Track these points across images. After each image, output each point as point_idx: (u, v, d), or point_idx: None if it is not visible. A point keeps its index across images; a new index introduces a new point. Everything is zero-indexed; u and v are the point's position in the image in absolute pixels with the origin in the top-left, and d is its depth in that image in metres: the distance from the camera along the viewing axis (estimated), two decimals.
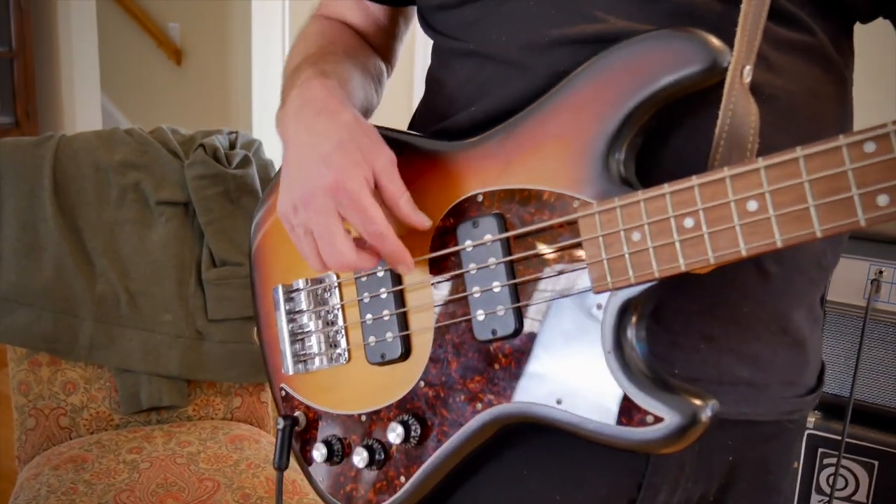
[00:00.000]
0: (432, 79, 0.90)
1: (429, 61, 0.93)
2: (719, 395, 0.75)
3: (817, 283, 0.83)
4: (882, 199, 0.57)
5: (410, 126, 0.94)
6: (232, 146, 1.93)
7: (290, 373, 0.90)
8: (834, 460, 1.47)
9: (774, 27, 0.73)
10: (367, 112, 0.91)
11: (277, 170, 0.91)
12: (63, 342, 1.73)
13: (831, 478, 1.48)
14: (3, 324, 1.70)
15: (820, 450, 1.50)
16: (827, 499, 1.48)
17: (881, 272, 1.44)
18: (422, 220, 0.76)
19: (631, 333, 0.69)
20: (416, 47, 3.17)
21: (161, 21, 4.48)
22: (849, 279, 1.47)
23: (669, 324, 0.74)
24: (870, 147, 0.57)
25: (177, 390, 1.80)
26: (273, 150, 1.55)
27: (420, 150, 0.81)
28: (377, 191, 0.76)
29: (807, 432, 1.51)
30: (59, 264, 1.74)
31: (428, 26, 0.90)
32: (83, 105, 4.00)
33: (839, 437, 1.45)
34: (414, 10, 0.99)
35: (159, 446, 1.67)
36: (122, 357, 1.76)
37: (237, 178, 1.84)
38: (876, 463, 1.46)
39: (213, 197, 1.82)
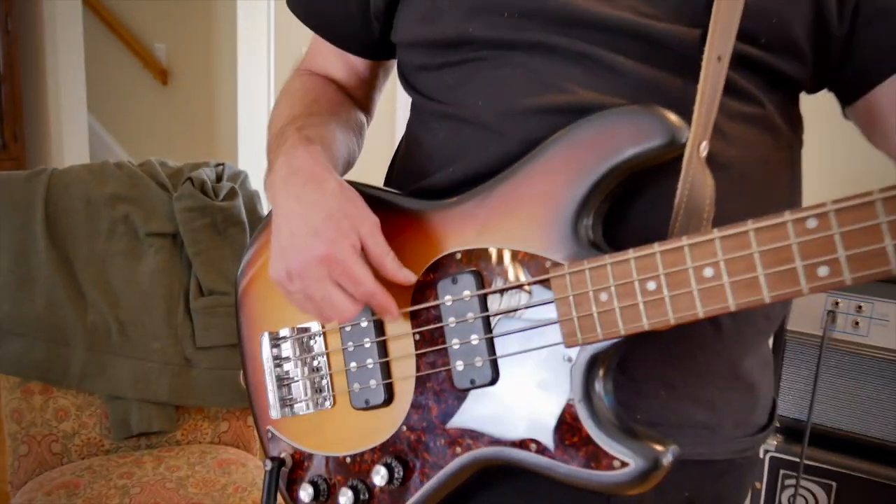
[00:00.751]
0: (411, 136, 0.96)
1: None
2: (678, 437, 0.83)
3: (765, 333, 0.90)
4: (822, 271, 0.64)
5: (388, 179, 1.00)
6: (219, 178, 2.00)
7: (277, 417, 0.96)
8: (794, 482, 1.55)
9: (728, 101, 0.80)
10: (350, 163, 0.97)
11: (267, 213, 0.97)
12: (55, 371, 1.79)
13: (792, 498, 1.56)
14: None
15: (781, 471, 1.58)
16: None
17: (837, 303, 1.53)
18: (406, 276, 0.83)
19: (599, 384, 0.75)
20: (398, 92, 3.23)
21: (147, 42, 4.53)
22: (806, 311, 1.55)
23: (632, 373, 0.81)
24: (812, 223, 0.64)
25: (166, 416, 1.86)
26: (258, 181, 1.61)
27: (401, 208, 0.87)
28: (364, 251, 0.82)
29: (769, 455, 1.58)
30: (51, 295, 1.80)
31: (408, 85, 0.95)
32: (70, 126, 4.05)
33: (798, 460, 1.53)
34: (393, 63, 1.05)
35: (149, 471, 1.73)
36: (113, 384, 1.81)
37: (224, 210, 1.91)
38: (834, 483, 1.54)
39: (200, 228, 1.89)
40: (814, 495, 1.56)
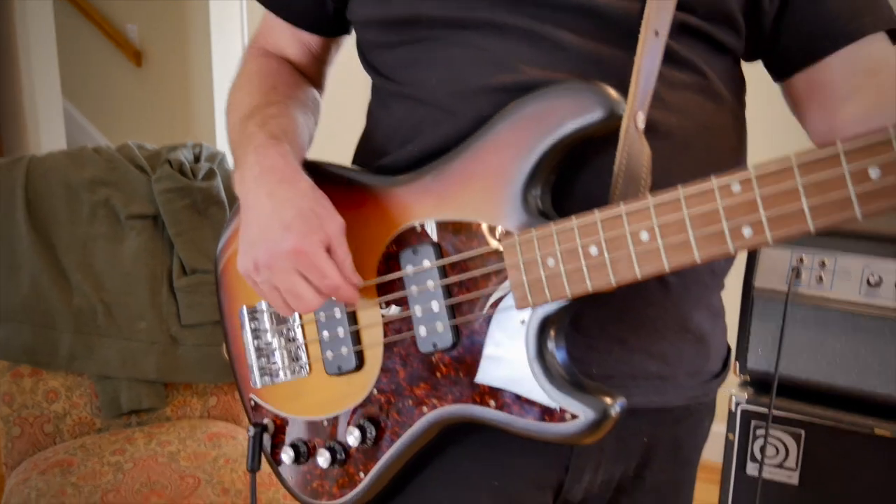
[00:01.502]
0: (371, 116, 1.00)
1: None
2: (632, 388, 0.88)
3: (712, 287, 0.95)
4: (747, 231, 0.68)
5: (356, 157, 1.04)
6: (196, 159, 2.03)
7: (259, 386, 1.01)
8: (764, 432, 1.61)
9: (668, 70, 0.84)
10: (309, 142, 1.01)
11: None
12: (43, 354, 1.83)
13: (763, 447, 1.62)
14: None
15: (752, 422, 1.64)
16: (759, 466, 1.62)
17: (801, 260, 1.58)
18: (357, 280, 0.87)
19: (551, 344, 0.80)
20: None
21: (119, 23, 4.51)
22: (772, 267, 1.60)
23: (587, 330, 0.86)
24: (736, 188, 0.68)
25: (155, 393, 1.91)
26: None
27: (365, 185, 0.92)
28: (328, 250, 0.86)
29: (740, 407, 1.64)
30: (35, 280, 1.83)
31: (367, 63, 0.99)
32: (45, 110, 4.03)
33: (767, 411, 1.58)
34: (345, 38, 1.08)
35: (141, 447, 1.78)
36: (102, 365, 1.85)
37: (203, 191, 1.94)
38: (802, 432, 1.60)
39: (180, 209, 1.92)
40: (784, 444, 1.62)
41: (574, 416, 0.78)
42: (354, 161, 1.03)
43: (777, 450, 1.63)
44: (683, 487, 1.04)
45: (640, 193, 0.80)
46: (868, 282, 1.55)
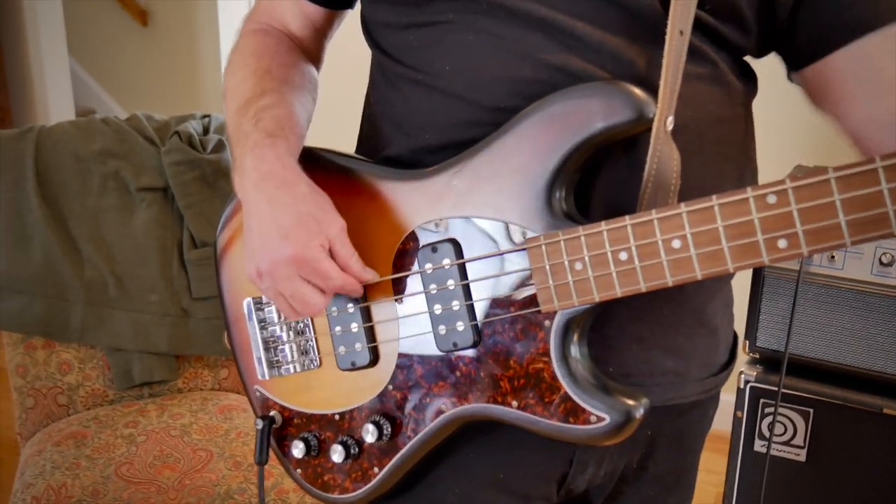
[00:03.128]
0: (381, 97, 0.96)
1: None
2: (650, 386, 0.88)
3: (726, 279, 0.95)
4: (782, 243, 0.68)
5: (360, 144, 1.02)
6: (205, 131, 2.01)
7: (266, 378, 1.00)
8: (773, 409, 1.62)
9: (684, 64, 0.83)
10: (307, 125, 0.98)
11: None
12: (56, 326, 1.84)
13: (771, 425, 1.63)
14: None
15: (761, 400, 1.64)
16: (767, 443, 1.63)
17: None
18: (371, 275, 0.87)
19: (575, 345, 0.81)
20: None
21: None
22: None
23: (604, 330, 0.86)
24: (772, 199, 0.68)
25: (167, 365, 1.92)
26: None
27: (377, 177, 0.90)
28: (331, 253, 0.86)
29: (749, 385, 1.65)
30: (47, 252, 1.84)
31: (372, 41, 0.96)
32: (52, 69, 4.01)
33: (777, 389, 1.59)
34: (347, 12, 1.06)
35: (153, 420, 1.79)
36: (114, 337, 1.87)
37: (212, 163, 1.93)
38: (811, 410, 1.61)
39: (190, 181, 1.92)
40: (792, 422, 1.63)
41: (600, 419, 0.78)
42: (359, 142, 1.02)
43: (785, 427, 1.64)
44: (686, 475, 1.05)
45: (669, 198, 0.79)
46: (881, 261, 1.54)
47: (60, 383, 1.87)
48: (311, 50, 1.07)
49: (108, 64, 4.62)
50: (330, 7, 1.04)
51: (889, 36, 0.83)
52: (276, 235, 0.85)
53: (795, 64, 0.92)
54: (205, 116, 2.06)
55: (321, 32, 1.07)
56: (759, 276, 1.65)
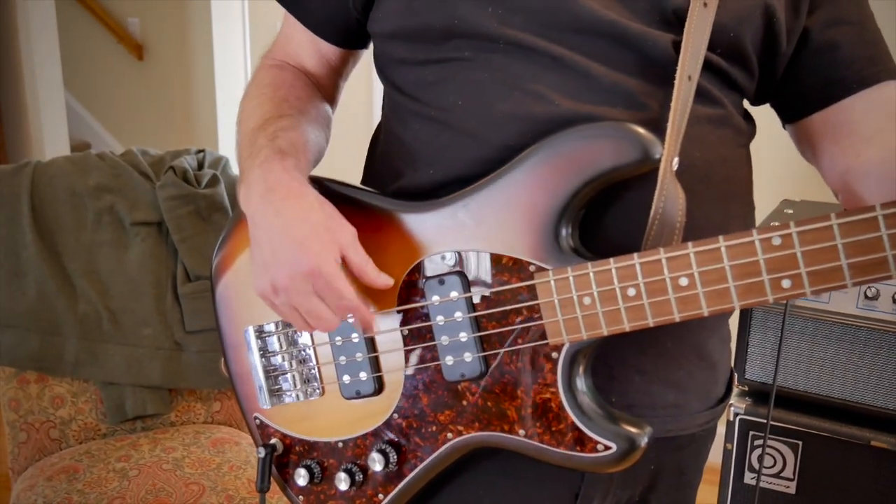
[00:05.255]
0: (391, 133, 0.98)
1: None
2: (651, 418, 0.91)
3: (725, 316, 0.97)
4: (786, 283, 0.72)
5: (366, 173, 1.04)
6: (200, 166, 2.04)
7: (267, 407, 1.01)
8: (762, 441, 1.63)
9: (692, 105, 0.85)
10: (318, 159, 1.00)
11: (235, 212, 0.99)
12: (49, 360, 1.84)
13: (760, 457, 1.64)
14: None
15: (750, 432, 1.66)
16: (757, 475, 1.64)
17: None
18: (385, 281, 0.87)
19: (580, 375, 0.83)
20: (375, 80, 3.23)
21: (120, 17, 4.51)
22: None
23: (607, 360, 0.88)
24: (777, 241, 0.72)
25: (159, 399, 1.93)
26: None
27: (384, 209, 0.91)
28: (344, 261, 0.86)
29: (738, 417, 1.66)
30: (41, 287, 1.85)
31: (385, 78, 0.98)
32: (47, 102, 4.03)
33: (766, 421, 1.60)
34: (362, 52, 1.08)
35: (146, 453, 1.80)
36: (107, 371, 1.87)
37: (207, 197, 1.95)
38: (800, 442, 1.62)
39: (184, 216, 1.93)
40: (781, 454, 1.64)
41: (607, 448, 0.81)
42: (365, 178, 1.03)
43: (775, 460, 1.65)
44: None
45: (674, 237, 0.82)
46: (866, 295, 1.57)
47: (53, 417, 1.87)
48: (327, 87, 1.09)
49: (104, 97, 4.66)
50: (344, 46, 1.05)
51: (863, 97, 0.90)
52: (289, 247, 0.84)
53: (786, 117, 0.97)
54: (199, 151, 2.08)
55: (336, 71, 1.09)
56: (747, 310, 1.67)
